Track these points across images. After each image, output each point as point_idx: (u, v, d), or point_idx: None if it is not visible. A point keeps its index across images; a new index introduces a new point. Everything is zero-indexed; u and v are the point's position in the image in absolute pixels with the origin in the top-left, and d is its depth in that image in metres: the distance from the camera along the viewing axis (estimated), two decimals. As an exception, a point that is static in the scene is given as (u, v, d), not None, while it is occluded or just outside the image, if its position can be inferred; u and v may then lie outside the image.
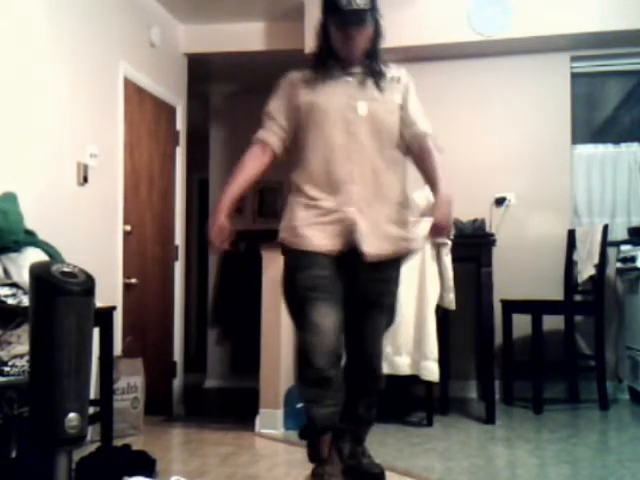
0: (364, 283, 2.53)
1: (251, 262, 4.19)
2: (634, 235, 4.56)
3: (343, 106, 2.51)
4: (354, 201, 2.48)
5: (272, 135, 2.59)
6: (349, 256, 2.47)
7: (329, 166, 2.49)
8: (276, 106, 2.60)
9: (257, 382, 3.80)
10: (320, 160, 2.51)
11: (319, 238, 2.46)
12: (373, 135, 2.52)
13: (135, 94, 4.39)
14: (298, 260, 2.48)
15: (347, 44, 2.52)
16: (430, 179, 2.66)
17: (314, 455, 2.54)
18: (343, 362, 2.59)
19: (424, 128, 2.66)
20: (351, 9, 2.44)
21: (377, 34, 2.58)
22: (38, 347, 2.07)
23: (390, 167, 2.58)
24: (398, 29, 4.75)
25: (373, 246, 2.47)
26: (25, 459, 2.39)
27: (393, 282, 2.62)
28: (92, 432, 3.27)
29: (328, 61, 2.56)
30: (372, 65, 2.57)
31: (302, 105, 2.54)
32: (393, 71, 2.63)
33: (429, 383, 3.82)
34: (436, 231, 2.56)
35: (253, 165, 2.59)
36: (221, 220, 2.56)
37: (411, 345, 3.78)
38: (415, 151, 2.66)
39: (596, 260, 4.33)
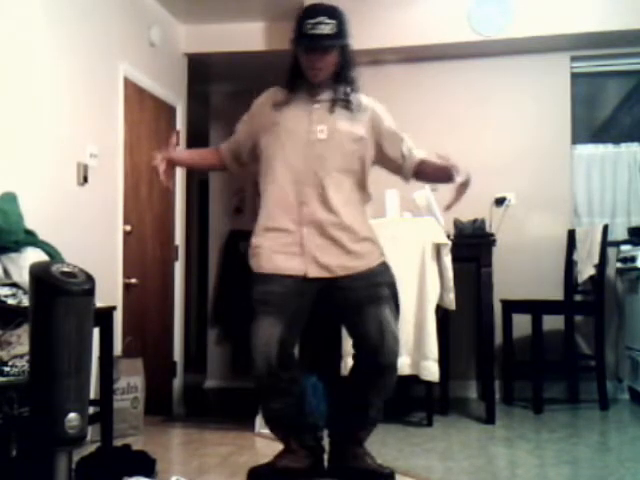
0: (345, 294, 2.60)
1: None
2: (634, 235, 4.56)
3: (305, 128, 2.59)
4: (305, 222, 2.58)
5: (227, 145, 2.85)
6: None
7: (286, 188, 2.60)
8: (241, 122, 2.81)
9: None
10: (279, 182, 2.62)
11: (276, 260, 2.59)
12: (329, 159, 2.58)
13: (135, 94, 4.39)
14: (257, 279, 2.64)
15: (311, 69, 2.58)
16: (437, 170, 2.83)
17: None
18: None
19: (417, 157, 2.78)
20: (314, 34, 2.50)
21: (345, 60, 2.62)
22: (38, 347, 2.07)
23: (346, 192, 2.63)
24: (398, 29, 4.76)
25: (324, 267, 2.57)
26: (25, 459, 2.39)
27: (376, 279, 2.62)
28: (92, 432, 3.27)
29: (296, 83, 2.64)
30: (339, 91, 2.62)
31: (267, 126, 2.65)
32: (363, 100, 2.68)
33: (429, 383, 3.82)
34: (460, 188, 2.77)
35: (208, 152, 3.04)
36: (168, 152, 2.75)
37: (411, 345, 3.78)
38: (413, 172, 2.83)
39: (596, 260, 4.33)
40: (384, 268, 2.67)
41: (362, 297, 2.58)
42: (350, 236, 2.61)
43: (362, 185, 2.71)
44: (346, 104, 2.61)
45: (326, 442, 2.77)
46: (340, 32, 2.55)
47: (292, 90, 2.65)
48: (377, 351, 2.56)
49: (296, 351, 2.80)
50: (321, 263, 2.58)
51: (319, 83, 2.61)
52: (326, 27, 2.49)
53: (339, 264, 2.58)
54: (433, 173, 2.79)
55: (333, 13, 2.55)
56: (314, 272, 2.58)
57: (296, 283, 2.58)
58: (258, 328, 2.58)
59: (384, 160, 2.75)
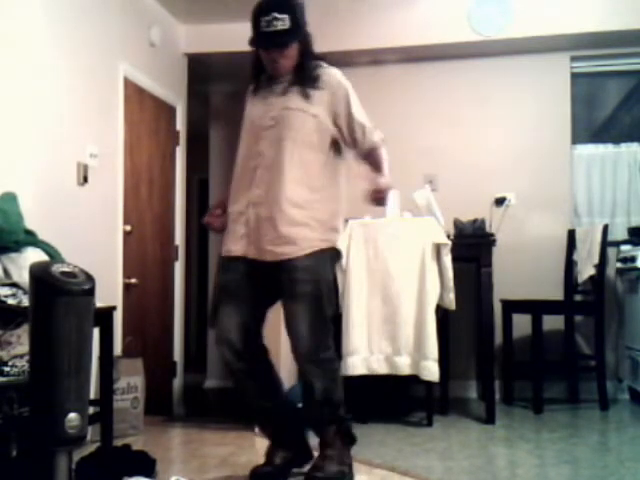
0: (278, 279, 2.63)
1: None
2: (634, 235, 4.56)
3: (260, 115, 2.67)
4: (253, 205, 2.63)
5: None
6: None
7: (241, 171, 2.71)
8: None
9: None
10: (238, 167, 2.73)
11: (230, 243, 2.68)
12: (281, 141, 2.61)
13: (135, 94, 4.39)
14: (220, 267, 2.73)
15: (271, 64, 2.64)
16: (376, 168, 2.72)
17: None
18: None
19: (370, 143, 2.72)
20: (269, 31, 2.54)
21: (304, 50, 2.65)
22: (38, 347, 2.07)
23: (298, 172, 2.62)
24: (398, 29, 4.77)
25: (259, 249, 2.62)
26: (25, 459, 2.39)
27: (298, 275, 2.60)
28: (92, 432, 3.26)
29: (259, 75, 2.73)
30: (298, 75, 2.65)
31: (247, 112, 2.77)
32: (325, 79, 2.66)
33: (429, 383, 3.82)
34: (374, 195, 2.59)
35: None
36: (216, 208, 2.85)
37: (411, 345, 3.77)
38: (363, 156, 2.78)
39: (596, 260, 4.33)
40: (316, 261, 2.61)
41: (284, 290, 2.63)
42: (286, 219, 2.59)
43: (326, 165, 2.68)
44: (301, 85, 2.63)
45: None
46: (295, 25, 2.56)
47: (257, 84, 2.75)
48: (293, 344, 2.65)
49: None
50: (258, 246, 2.62)
51: (280, 75, 2.66)
52: (279, 22, 2.52)
53: (270, 249, 2.60)
54: (370, 167, 2.76)
55: (285, 6, 2.56)
56: (252, 254, 2.63)
57: (246, 266, 2.64)
58: (219, 317, 2.65)
59: (342, 139, 2.73)
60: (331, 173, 2.71)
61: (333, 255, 2.73)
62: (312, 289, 2.60)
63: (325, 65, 2.71)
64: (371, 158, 2.74)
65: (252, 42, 2.63)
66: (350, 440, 2.74)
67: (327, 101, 2.65)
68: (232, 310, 2.64)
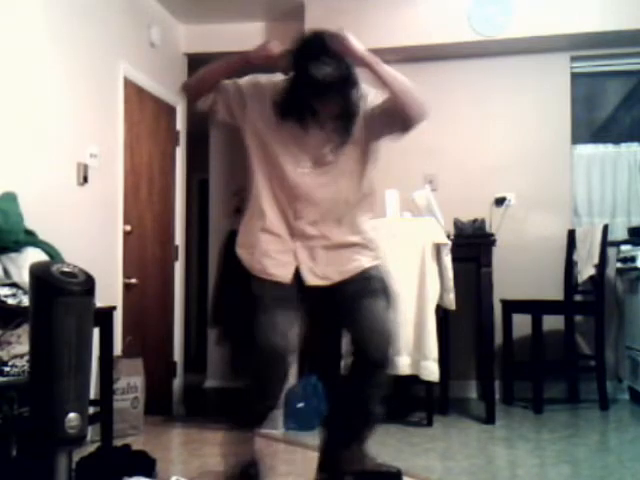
0: (339, 290, 2.58)
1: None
2: (634, 235, 4.56)
3: (299, 149, 2.51)
4: (297, 235, 2.56)
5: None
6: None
7: (272, 195, 2.58)
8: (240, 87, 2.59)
9: (257, 382, 3.79)
10: (265, 187, 2.58)
11: (270, 266, 2.58)
12: (325, 182, 2.54)
13: (135, 94, 4.39)
14: (253, 278, 2.61)
15: (319, 109, 2.46)
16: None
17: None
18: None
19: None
20: (319, 80, 2.33)
21: (350, 104, 2.48)
22: (38, 347, 2.07)
23: (341, 210, 2.60)
24: (398, 29, 4.76)
25: (316, 276, 2.56)
26: (25, 459, 2.39)
27: (366, 275, 2.59)
28: (92, 432, 3.27)
29: (300, 110, 2.47)
30: (344, 120, 2.50)
31: (261, 123, 2.53)
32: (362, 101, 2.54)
33: (429, 383, 3.82)
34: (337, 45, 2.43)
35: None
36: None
37: (411, 345, 3.78)
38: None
39: (596, 260, 4.33)
40: (376, 267, 2.64)
41: (355, 291, 2.58)
42: (345, 245, 2.59)
43: (360, 187, 2.64)
44: (349, 130, 2.52)
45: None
46: (348, 72, 2.45)
47: (294, 114, 2.51)
48: (371, 342, 2.54)
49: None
50: (317, 273, 2.57)
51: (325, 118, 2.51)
52: (332, 71, 2.35)
53: (334, 271, 2.57)
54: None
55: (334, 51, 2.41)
56: (311, 280, 2.57)
57: (291, 288, 2.58)
58: (266, 318, 2.55)
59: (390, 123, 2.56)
60: (371, 190, 2.70)
61: (380, 266, 2.69)
62: (382, 286, 2.60)
63: (360, 87, 2.57)
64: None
65: (295, 81, 2.44)
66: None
67: (362, 121, 2.54)
68: (278, 316, 2.54)
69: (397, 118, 2.48)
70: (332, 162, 2.54)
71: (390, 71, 2.47)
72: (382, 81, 2.46)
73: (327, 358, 3.86)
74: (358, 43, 2.48)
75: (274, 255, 2.58)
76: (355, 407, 2.64)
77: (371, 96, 2.59)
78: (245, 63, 2.58)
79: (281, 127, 2.52)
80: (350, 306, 2.59)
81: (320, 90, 2.39)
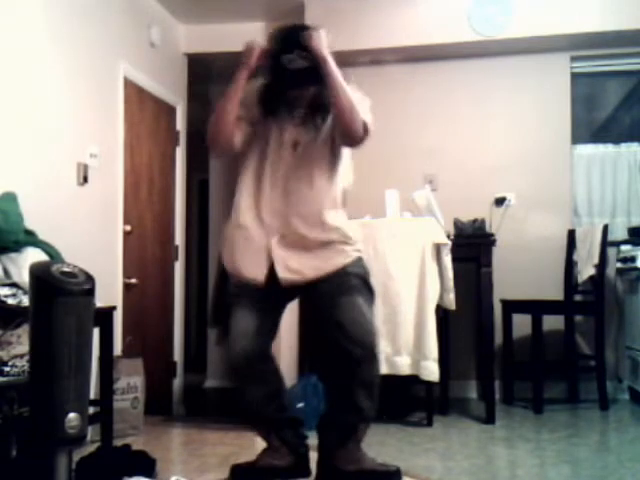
0: (318, 288, 2.59)
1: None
2: (634, 235, 4.56)
3: (277, 139, 2.60)
4: (273, 229, 2.59)
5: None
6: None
7: (253, 190, 2.66)
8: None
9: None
10: (249, 182, 2.68)
11: (243, 267, 2.62)
12: (299, 169, 2.60)
13: (135, 94, 4.39)
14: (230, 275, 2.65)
15: (293, 99, 2.58)
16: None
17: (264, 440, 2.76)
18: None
19: None
20: (292, 69, 2.47)
21: (322, 98, 2.56)
22: (38, 347, 2.07)
23: (324, 197, 2.63)
24: (398, 29, 4.76)
25: (291, 272, 2.57)
26: (25, 459, 2.39)
27: (345, 271, 2.60)
28: (92, 432, 3.27)
29: (276, 99, 2.60)
30: (314, 104, 2.59)
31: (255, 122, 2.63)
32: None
33: (429, 383, 3.82)
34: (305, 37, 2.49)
35: None
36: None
37: (411, 345, 3.78)
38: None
39: (596, 260, 4.33)
40: (357, 260, 2.65)
41: (332, 289, 2.59)
42: (320, 240, 2.59)
43: (333, 184, 2.68)
44: (314, 114, 2.60)
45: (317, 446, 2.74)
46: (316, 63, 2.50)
47: (271, 104, 2.63)
48: (351, 339, 2.55)
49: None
50: (291, 268, 2.57)
51: (300, 104, 2.61)
52: (305, 61, 2.46)
53: (309, 267, 2.58)
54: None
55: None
56: (286, 277, 2.58)
57: (267, 287, 2.59)
58: (235, 320, 2.61)
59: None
60: (342, 185, 2.72)
61: (360, 260, 2.70)
62: (362, 282, 2.62)
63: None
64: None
65: (270, 74, 2.58)
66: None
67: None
68: (248, 315, 2.61)
69: (339, 130, 2.59)
70: (304, 154, 2.59)
71: (341, 83, 2.52)
72: (330, 86, 2.52)
73: (327, 358, 3.87)
74: (323, 43, 2.51)
75: (248, 254, 2.61)
76: (343, 404, 2.64)
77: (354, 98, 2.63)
78: (250, 72, 2.61)
79: (261, 126, 2.63)
80: (329, 303, 2.60)
81: (291, 81, 2.51)
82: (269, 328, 2.70)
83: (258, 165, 2.65)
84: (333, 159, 2.66)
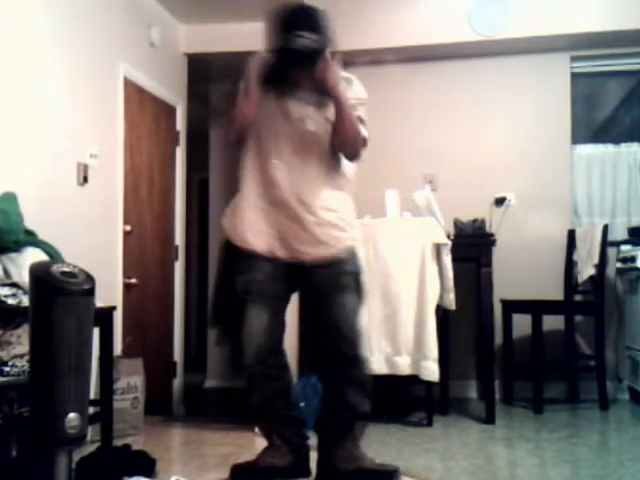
0: (313, 279, 2.63)
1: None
2: (634, 235, 4.56)
3: (280, 116, 2.61)
4: (276, 204, 2.62)
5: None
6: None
7: (259, 165, 2.67)
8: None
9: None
10: (259, 164, 2.68)
11: (248, 234, 2.66)
12: (303, 146, 2.62)
13: (135, 94, 4.39)
14: (238, 267, 2.67)
15: (295, 76, 2.60)
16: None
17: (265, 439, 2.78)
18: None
19: None
20: (301, 50, 2.47)
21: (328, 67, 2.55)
22: (38, 347, 2.07)
23: (324, 175, 2.65)
24: (398, 29, 4.76)
25: (291, 250, 2.61)
26: (25, 459, 2.39)
27: (342, 268, 2.62)
28: (92, 432, 3.27)
29: (279, 79, 2.61)
30: (317, 84, 2.58)
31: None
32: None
33: (429, 383, 3.82)
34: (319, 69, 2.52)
35: None
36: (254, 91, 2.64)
37: (411, 345, 3.78)
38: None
39: (596, 260, 4.33)
40: (351, 256, 2.67)
41: (327, 284, 2.61)
42: (319, 221, 2.61)
43: (341, 164, 2.71)
44: (319, 94, 2.60)
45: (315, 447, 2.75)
46: (326, 45, 2.52)
47: (273, 82, 2.63)
48: (338, 338, 2.59)
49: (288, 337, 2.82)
50: (289, 247, 2.61)
51: (301, 84, 2.62)
52: (313, 43, 2.47)
53: (305, 250, 2.60)
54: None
55: (316, 26, 2.51)
56: (283, 254, 2.62)
57: (271, 266, 2.63)
58: (246, 318, 2.63)
59: None
60: (344, 170, 2.74)
61: (356, 253, 2.73)
62: (354, 281, 2.64)
63: (345, 74, 2.67)
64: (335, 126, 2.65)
65: (275, 50, 2.57)
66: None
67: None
68: (258, 311, 2.63)
69: (338, 148, 2.65)
70: (310, 132, 2.60)
71: (350, 115, 2.59)
72: (337, 117, 2.58)
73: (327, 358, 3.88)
74: (337, 76, 2.57)
75: (250, 224, 2.63)
76: (336, 402, 2.66)
77: (356, 85, 2.69)
78: (254, 87, 2.64)
79: (265, 101, 2.62)
80: (321, 301, 2.63)
81: (297, 60, 2.51)
82: (280, 322, 2.72)
83: (264, 140, 2.65)
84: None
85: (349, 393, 2.62)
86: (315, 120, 2.61)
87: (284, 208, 2.61)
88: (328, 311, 2.61)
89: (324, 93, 2.58)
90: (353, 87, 2.69)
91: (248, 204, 2.66)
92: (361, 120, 2.67)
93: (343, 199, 2.71)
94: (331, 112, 2.59)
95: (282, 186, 2.61)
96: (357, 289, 2.66)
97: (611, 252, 4.59)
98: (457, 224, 4.24)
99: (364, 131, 2.67)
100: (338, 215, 2.65)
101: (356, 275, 2.66)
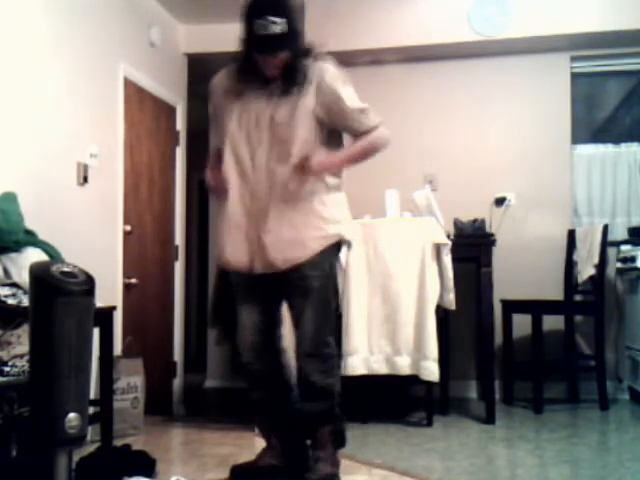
0: (286, 279, 2.64)
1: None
2: (634, 235, 4.56)
3: (248, 116, 2.61)
4: (251, 215, 2.61)
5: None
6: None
7: (232, 170, 2.68)
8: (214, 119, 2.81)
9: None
10: (228, 160, 2.70)
11: (228, 253, 2.69)
12: (273, 145, 2.58)
13: (135, 94, 4.39)
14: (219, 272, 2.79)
15: (266, 67, 2.57)
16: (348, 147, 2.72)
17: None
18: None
19: (365, 127, 2.65)
20: (264, 35, 2.45)
21: (296, 53, 2.55)
22: (38, 347, 2.07)
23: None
24: (398, 29, 4.77)
25: (266, 262, 2.61)
26: (25, 459, 2.39)
27: (307, 272, 2.61)
28: (92, 432, 3.27)
29: (248, 71, 2.62)
30: (287, 77, 2.57)
31: (224, 111, 2.69)
32: (310, 72, 2.59)
33: (429, 383, 3.82)
34: (301, 167, 2.54)
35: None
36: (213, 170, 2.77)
37: (411, 345, 3.77)
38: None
39: (596, 260, 4.33)
40: (322, 257, 2.62)
41: (293, 288, 2.63)
42: (291, 224, 2.58)
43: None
44: (290, 88, 2.57)
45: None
46: (291, 29, 2.48)
47: (244, 79, 2.64)
48: (299, 339, 2.64)
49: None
50: (264, 258, 2.59)
51: (271, 75, 2.59)
52: (276, 27, 2.43)
53: (278, 257, 2.58)
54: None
55: (281, 9, 2.47)
56: (260, 268, 2.61)
57: (253, 277, 2.64)
58: (240, 317, 2.68)
59: (340, 128, 2.71)
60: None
61: (337, 247, 2.71)
62: (320, 284, 2.63)
63: (317, 60, 2.61)
64: (357, 140, 2.67)
65: (244, 42, 2.57)
66: (341, 442, 2.74)
67: (314, 94, 2.58)
68: (249, 310, 2.67)
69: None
70: (281, 130, 2.56)
71: (363, 152, 2.66)
72: (359, 161, 2.68)
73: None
74: (328, 160, 2.62)
75: (232, 241, 2.64)
76: (299, 385, 2.68)
77: (329, 73, 2.61)
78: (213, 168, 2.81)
79: (234, 98, 2.65)
80: (288, 303, 2.68)
81: (260, 46, 2.50)
82: (273, 321, 2.73)
83: (237, 147, 2.64)
84: (317, 137, 2.61)
85: (306, 368, 2.64)
86: (285, 118, 2.56)
87: (266, 217, 2.58)
88: (294, 313, 2.66)
89: (293, 78, 2.55)
90: (312, 77, 2.60)
91: (227, 221, 2.66)
92: (362, 111, 2.62)
93: (331, 200, 2.66)
94: (304, 100, 2.56)
95: (262, 194, 2.59)
96: (323, 293, 2.64)
97: (611, 252, 4.60)
98: (457, 224, 4.24)
99: (372, 120, 2.64)
100: (318, 214, 2.61)
101: (323, 278, 2.63)
